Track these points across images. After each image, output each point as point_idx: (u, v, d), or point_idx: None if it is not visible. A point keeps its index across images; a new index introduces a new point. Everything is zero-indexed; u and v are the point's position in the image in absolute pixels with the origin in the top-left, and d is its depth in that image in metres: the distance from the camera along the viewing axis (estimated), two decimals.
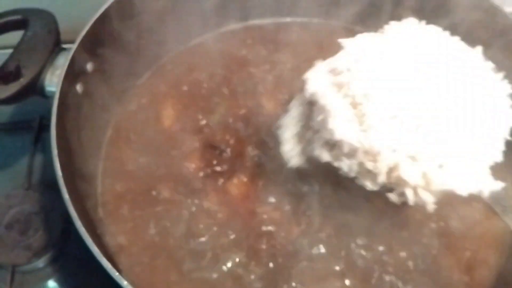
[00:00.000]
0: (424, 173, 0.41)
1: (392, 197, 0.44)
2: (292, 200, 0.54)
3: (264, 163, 0.57)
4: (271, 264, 0.50)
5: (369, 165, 0.42)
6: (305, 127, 0.49)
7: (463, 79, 0.43)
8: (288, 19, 0.71)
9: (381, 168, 0.41)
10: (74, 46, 0.52)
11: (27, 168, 0.66)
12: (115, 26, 0.57)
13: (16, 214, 0.63)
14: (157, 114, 0.62)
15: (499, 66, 0.45)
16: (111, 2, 0.55)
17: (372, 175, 0.43)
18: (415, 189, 0.42)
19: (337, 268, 0.50)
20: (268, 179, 0.55)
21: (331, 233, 0.52)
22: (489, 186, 0.42)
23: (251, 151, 0.58)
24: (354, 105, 0.42)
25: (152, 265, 0.51)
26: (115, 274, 0.39)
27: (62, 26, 0.56)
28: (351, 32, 0.50)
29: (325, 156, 0.45)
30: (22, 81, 0.50)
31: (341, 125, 0.42)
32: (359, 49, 0.45)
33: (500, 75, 0.45)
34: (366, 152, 0.42)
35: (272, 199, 0.54)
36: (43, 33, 0.53)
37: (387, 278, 0.50)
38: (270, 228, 0.53)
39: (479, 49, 0.46)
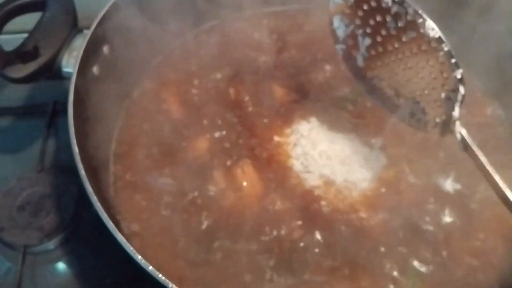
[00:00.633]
0: None
1: None
2: None
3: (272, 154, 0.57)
4: None
5: None
6: None
7: None
8: None
9: None
10: (91, 28, 0.52)
11: (40, 151, 0.67)
12: (131, 10, 0.57)
13: (28, 196, 0.63)
14: (167, 98, 0.62)
15: None
16: None
17: None
18: None
19: None
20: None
21: None
22: None
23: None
24: None
25: (164, 246, 0.51)
26: (129, 248, 0.39)
27: (79, 10, 0.57)
28: None
29: None
30: (40, 61, 0.51)
31: None
32: None
33: None
34: None
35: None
36: (61, 15, 0.54)
37: None
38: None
39: None
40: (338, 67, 0.62)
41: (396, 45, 0.49)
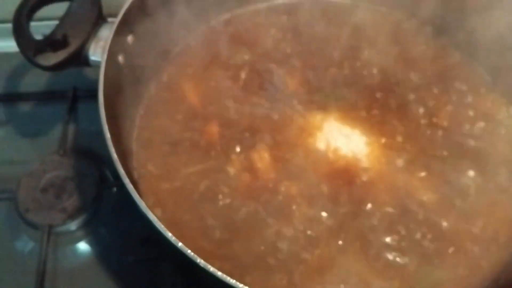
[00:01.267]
0: None
1: None
2: None
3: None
4: None
5: None
6: None
7: None
8: None
9: None
10: (117, 20, 0.55)
11: (61, 135, 0.70)
12: (152, 3, 0.60)
13: (51, 179, 0.66)
14: (186, 87, 0.65)
15: None
16: None
17: None
18: None
19: None
20: None
21: None
22: None
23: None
24: None
25: (186, 227, 0.54)
26: (161, 226, 0.42)
27: (104, 0, 0.59)
28: None
29: None
30: (69, 50, 0.53)
31: None
32: None
33: None
34: None
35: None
36: (87, 5, 0.56)
37: None
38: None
39: None
40: (354, 63, 0.65)
41: None
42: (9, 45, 0.74)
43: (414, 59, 0.68)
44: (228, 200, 0.56)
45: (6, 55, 0.77)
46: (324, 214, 0.55)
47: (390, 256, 0.53)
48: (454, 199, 0.57)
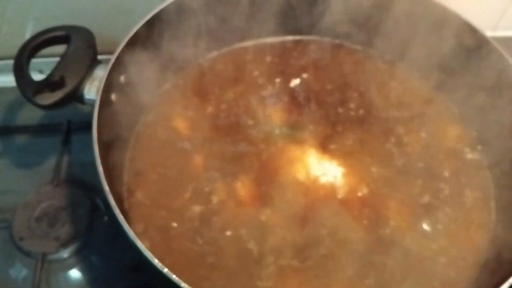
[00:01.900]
0: None
1: None
2: None
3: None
4: None
5: None
6: None
7: None
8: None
9: None
10: (110, 62, 0.59)
11: (55, 166, 0.73)
12: (143, 45, 0.64)
13: (45, 208, 0.69)
14: (176, 121, 0.69)
15: None
16: (139, 27, 0.63)
17: None
18: None
19: None
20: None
21: None
22: None
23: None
24: None
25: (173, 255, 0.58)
26: (149, 254, 0.45)
27: (98, 40, 0.64)
28: None
29: None
30: (66, 90, 0.57)
31: None
32: None
33: None
34: None
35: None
36: (83, 48, 0.60)
37: None
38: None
39: None
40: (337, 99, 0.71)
41: None
42: (6, 80, 0.79)
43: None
44: (214, 227, 0.60)
45: (3, 90, 0.81)
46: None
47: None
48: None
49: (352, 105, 0.71)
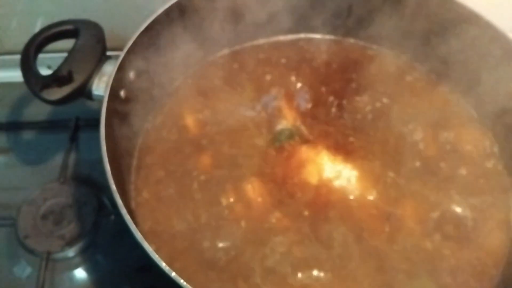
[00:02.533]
0: None
1: None
2: None
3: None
4: None
5: None
6: None
7: None
8: None
9: None
10: (120, 57, 0.58)
11: (62, 163, 0.72)
12: (153, 41, 0.63)
13: (51, 206, 0.68)
14: (184, 119, 0.67)
15: None
16: (149, 23, 0.61)
17: None
18: None
19: None
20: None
21: None
22: None
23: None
24: None
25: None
26: (155, 256, 0.44)
27: (108, 38, 0.62)
28: None
29: None
30: (73, 85, 0.56)
31: None
32: None
33: None
34: None
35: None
36: (92, 43, 0.59)
37: None
38: None
39: None
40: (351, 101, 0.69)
41: None
42: (14, 75, 0.78)
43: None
44: (223, 228, 0.58)
45: (11, 85, 0.80)
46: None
47: None
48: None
49: (368, 108, 0.69)
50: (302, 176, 0.63)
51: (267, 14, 0.71)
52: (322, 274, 0.56)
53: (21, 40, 0.61)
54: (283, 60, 0.74)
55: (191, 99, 0.69)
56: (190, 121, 0.67)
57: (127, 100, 0.60)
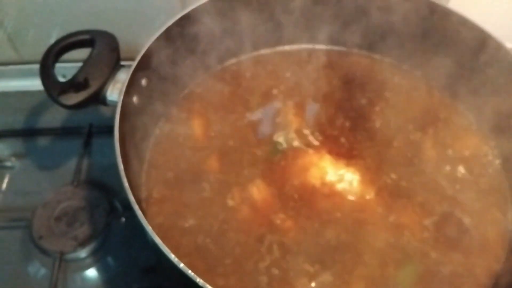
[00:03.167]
0: None
1: None
2: None
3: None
4: None
5: None
6: None
7: None
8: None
9: None
10: (133, 66, 0.61)
11: (76, 168, 0.75)
12: (163, 51, 0.66)
13: (64, 208, 0.71)
14: (192, 125, 0.70)
15: None
16: (161, 33, 0.64)
17: None
18: None
19: None
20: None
21: None
22: None
23: None
24: None
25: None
26: (171, 256, 0.46)
27: (122, 47, 0.65)
28: None
29: None
30: (89, 91, 0.59)
31: None
32: None
33: None
34: None
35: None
36: (107, 51, 0.62)
37: None
38: None
39: None
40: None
41: None
42: (31, 84, 0.82)
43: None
44: (228, 229, 0.60)
45: (28, 93, 0.84)
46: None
47: None
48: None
49: (373, 117, 0.72)
50: (306, 179, 0.65)
51: (272, 24, 0.74)
52: (325, 276, 0.58)
53: (37, 50, 0.64)
54: (287, 70, 0.77)
55: (201, 104, 0.72)
56: (198, 127, 0.70)
57: (139, 105, 0.63)
